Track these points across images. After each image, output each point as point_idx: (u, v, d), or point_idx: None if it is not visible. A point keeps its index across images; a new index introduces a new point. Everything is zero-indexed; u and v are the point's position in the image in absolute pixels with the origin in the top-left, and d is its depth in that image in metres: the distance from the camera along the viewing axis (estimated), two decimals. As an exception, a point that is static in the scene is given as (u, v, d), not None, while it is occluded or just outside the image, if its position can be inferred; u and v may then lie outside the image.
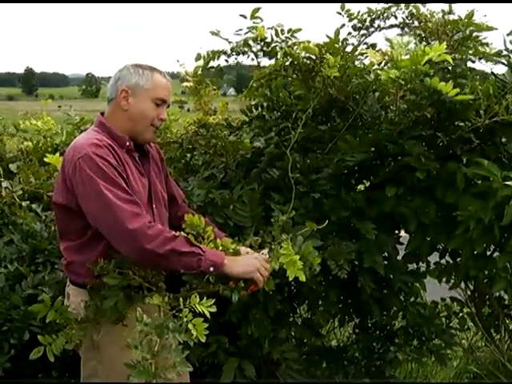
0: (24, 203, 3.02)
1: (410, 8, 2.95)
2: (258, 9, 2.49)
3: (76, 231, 2.02)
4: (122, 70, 2.11)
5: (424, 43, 2.81)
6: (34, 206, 3.06)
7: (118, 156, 1.99)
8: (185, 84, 3.00)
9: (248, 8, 2.54)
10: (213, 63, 2.69)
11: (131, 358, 1.53)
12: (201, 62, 2.70)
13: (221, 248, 1.99)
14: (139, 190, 2.04)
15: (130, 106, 2.07)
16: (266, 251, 2.05)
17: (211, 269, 1.87)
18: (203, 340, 1.68)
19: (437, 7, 2.95)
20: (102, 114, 2.14)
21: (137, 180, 2.05)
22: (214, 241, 1.99)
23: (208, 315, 1.74)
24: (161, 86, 2.09)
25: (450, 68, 2.62)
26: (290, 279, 1.93)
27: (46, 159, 2.77)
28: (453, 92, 2.21)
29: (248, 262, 1.97)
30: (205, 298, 1.77)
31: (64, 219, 2.08)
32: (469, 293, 3.13)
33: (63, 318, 1.93)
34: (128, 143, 2.06)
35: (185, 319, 1.68)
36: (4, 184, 3.06)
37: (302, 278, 1.93)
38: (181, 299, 1.75)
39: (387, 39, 2.94)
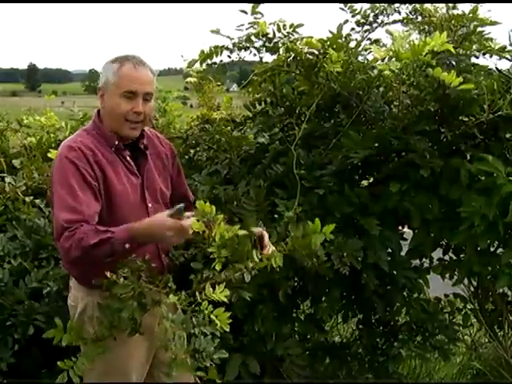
0: (27, 199, 3.03)
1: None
2: (258, 5, 2.48)
3: None
4: (102, 67, 2.03)
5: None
6: (37, 201, 3.07)
7: (94, 158, 1.94)
8: (188, 79, 3.00)
9: (250, 6, 2.54)
10: (215, 59, 2.68)
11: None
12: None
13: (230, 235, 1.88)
14: (124, 190, 1.98)
15: (105, 103, 2.01)
16: (170, 211, 1.87)
17: (127, 246, 1.81)
18: (227, 329, 1.71)
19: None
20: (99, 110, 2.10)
21: (123, 180, 1.99)
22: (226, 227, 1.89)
23: (226, 300, 1.74)
24: (127, 78, 1.95)
25: (454, 63, 2.61)
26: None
27: (49, 155, 2.78)
28: (456, 81, 2.19)
29: (153, 229, 1.84)
30: (217, 287, 1.76)
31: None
32: (472, 289, 3.13)
33: (79, 339, 1.89)
34: (117, 142, 2.01)
35: (206, 312, 1.70)
36: (7, 179, 3.07)
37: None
38: (197, 293, 1.74)
39: (388, 32, 2.92)
